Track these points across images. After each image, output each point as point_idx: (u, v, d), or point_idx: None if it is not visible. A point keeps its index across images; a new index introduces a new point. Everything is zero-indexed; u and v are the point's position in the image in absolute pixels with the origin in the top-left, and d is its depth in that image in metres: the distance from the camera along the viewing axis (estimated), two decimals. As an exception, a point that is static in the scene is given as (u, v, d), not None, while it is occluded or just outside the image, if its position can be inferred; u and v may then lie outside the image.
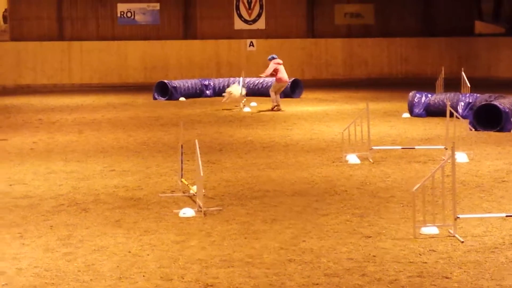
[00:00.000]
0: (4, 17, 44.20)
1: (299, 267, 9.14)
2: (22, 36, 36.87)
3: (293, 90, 30.04)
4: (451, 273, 8.83)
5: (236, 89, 26.07)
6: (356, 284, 8.52)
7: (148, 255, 9.65)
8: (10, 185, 14.00)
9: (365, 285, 8.49)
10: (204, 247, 9.96)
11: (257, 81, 30.62)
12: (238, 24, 38.28)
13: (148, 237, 10.44)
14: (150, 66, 36.80)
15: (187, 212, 11.58)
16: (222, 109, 25.68)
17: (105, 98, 30.71)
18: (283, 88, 25.83)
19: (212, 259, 9.47)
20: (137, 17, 37.69)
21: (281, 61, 25.46)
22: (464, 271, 8.90)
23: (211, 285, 8.54)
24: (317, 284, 8.54)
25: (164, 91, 29.62)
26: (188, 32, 37.96)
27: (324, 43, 38.18)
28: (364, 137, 16.08)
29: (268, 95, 29.53)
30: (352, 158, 15.78)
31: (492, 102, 20.37)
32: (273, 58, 25.46)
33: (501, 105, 20.09)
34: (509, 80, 35.57)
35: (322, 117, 23.64)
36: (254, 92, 29.94)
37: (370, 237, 10.35)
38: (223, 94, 26.58)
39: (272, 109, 25.27)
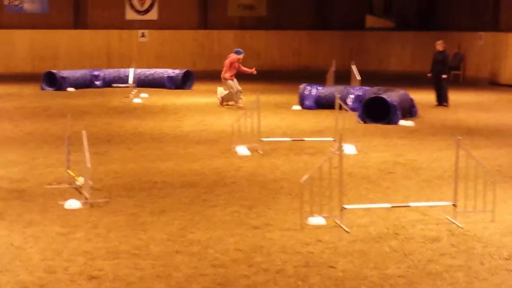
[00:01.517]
0: None
1: (186, 258, 9.14)
2: None
3: (184, 82, 30.03)
4: (336, 263, 8.99)
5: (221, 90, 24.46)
6: (243, 274, 8.58)
7: (31, 247, 9.48)
8: None
9: (251, 275, 8.55)
10: (89, 239, 9.86)
11: (148, 72, 30.46)
12: (130, 15, 37.94)
13: (32, 229, 10.26)
14: (38, 56, 36.13)
15: (73, 204, 11.43)
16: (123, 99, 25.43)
17: (-10, 88, 29.98)
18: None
19: (98, 251, 9.38)
20: (25, 5, 36.93)
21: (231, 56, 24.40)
22: (349, 261, 9.07)
23: (96, 277, 8.45)
24: (203, 275, 8.56)
25: (53, 81, 29.13)
26: (78, 21, 37.40)
27: (216, 35, 38.23)
28: (254, 129, 16.19)
29: (159, 86, 29.56)
30: (242, 150, 15.87)
31: (381, 95, 20.78)
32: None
33: (389, 98, 20.52)
34: (399, 74, 36.37)
35: (213, 109, 23.67)
36: (145, 83, 29.77)
37: (258, 228, 10.42)
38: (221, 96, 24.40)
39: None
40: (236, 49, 24.87)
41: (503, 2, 33.98)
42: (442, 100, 24.61)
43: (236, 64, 24.09)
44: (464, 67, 34.46)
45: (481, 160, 12.45)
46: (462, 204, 10.99)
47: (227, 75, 23.86)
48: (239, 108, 23.17)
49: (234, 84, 23.89)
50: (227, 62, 24.06)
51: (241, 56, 24.26)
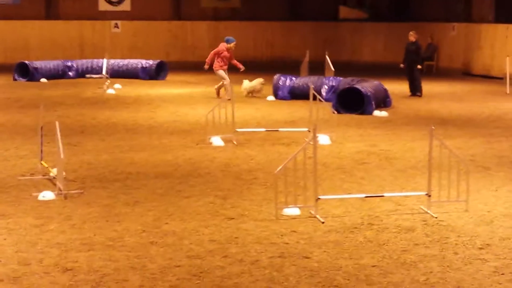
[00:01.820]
0: None
1: (161, 249, 9.11)
2: None
3: (158, 73, 29.94)
4: (311, 253, 8.99)
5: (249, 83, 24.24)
6: (218, 265, 8.56)
7: (5, 239, 9.41)
8: None
9: (226, 266, 8.54)
10: (63, 231, 9.80)
11: (121, 63, 30.34)
12: (103, 5, 37.70)
13: (5, 221, 10.18)
14: (10, 47, 35.83)
15: (47, 195, 11.37)
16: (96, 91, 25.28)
17: (-38, 79, 29.74)
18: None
19: (72, 242, 9.33)
20: (-4, -4, 36.59)
21: (233, 46, 23.40)
22: (324, 251, 9.08)
23: (71, 269, 8.40)
24: (178, 266, 8.54)
25: (25, 72, 28.94)
26: (51, 12, 37.13)
27: (190, 26, 38.10)
28: (228, 120, 16.16)
29: (133, 77, 29.43)
30: (216, 140, 15.85)
31: (355, 86, 20.81)
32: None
33: (363, 88, 20.55)
34: (372, 64, 36.46)
35: (187, 100, 23.62)
36: (119, 74, 29.66)
37: (232, 218, 10.41)
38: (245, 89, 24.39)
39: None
40: (226, 37, 23.91)
41: (476, -8, 34.16)
42: (415, 91, 24.73)
43: (226, 53, 23.10)
44: (437, 58, 34.61)
45: (455, 150, 12.51)
46: (436, 194, 11.03)
47: (216, 65, 23.07)
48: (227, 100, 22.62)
49: (226, 75, 23.05)
50: (212, 51, 23.42)
51: (230, 45, 23.18)
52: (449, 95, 25.51)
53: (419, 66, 24.67)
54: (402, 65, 24.91)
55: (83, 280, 8.10)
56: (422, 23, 35.36)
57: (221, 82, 23.44)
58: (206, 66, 23.35)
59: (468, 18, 34.10)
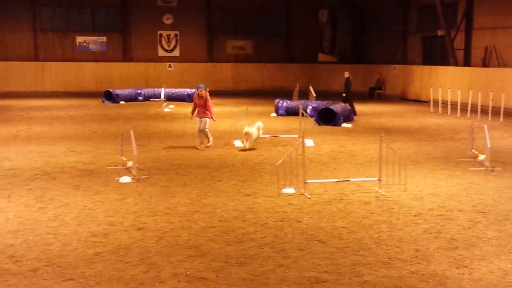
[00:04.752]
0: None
1: (202, 215, 9.13)
2: (7, 57, 35.33)
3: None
4: (301, 218, 9.00)
5: (252, 130, 15.18)
6: (239, 226, 8.58)
7: (98, 208, 9.46)
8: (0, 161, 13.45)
9: (245, 227, 8.56)
10: (137, 203, 9.83)
11: (173, 91, 30.38)
12: (161, 52, 37.72)
13: (98, 196, 10.22)
14: (100, 80, 35.85)
15: (125, 179, 11.40)
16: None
17: (67, 101, 29.78)
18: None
19: (143, 211, 9.36)
20: (90, 46, 36.63)
21: (200, 92, 14.97)
22: (310, 217, 9.08)
23: (141, 228, 8.44)
24: (213, 227, 8.57)
25: (110, 97, 28.99)
26: (126, 57, 37.16)
27: (219, 66, 38.08)
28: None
29: (181, 100, 29.34)
30: (238, 143, 15.82)
31: (329, 106, 20.77)
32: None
33: (335, 108, 20.51)
34: (340, 93, 36.18)
35: (216, 115, 23.50)
36: (172, 98, 29.71)
37: (249, 195, 10.41)
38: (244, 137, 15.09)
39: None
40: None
41: (410, 44, 34.04)
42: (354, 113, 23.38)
43: (199, 101, 15.03)
44: (384, 88, 34.46)
45: (397, 149, 12.47)
46: (385, 179, 11.02)
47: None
48: (201, 149, 15.02)
49: (200, 123, 15.15)
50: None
51: (198, 91, 15.01)
52: (392, 113, 25.40)
53: (343, 95, 23.09)
54: (344, 94, 23.74)
55: (151, 235, 8.14)
56: (374, 64, 35.26)
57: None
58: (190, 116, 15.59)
59: (405, 61, 34.00)
